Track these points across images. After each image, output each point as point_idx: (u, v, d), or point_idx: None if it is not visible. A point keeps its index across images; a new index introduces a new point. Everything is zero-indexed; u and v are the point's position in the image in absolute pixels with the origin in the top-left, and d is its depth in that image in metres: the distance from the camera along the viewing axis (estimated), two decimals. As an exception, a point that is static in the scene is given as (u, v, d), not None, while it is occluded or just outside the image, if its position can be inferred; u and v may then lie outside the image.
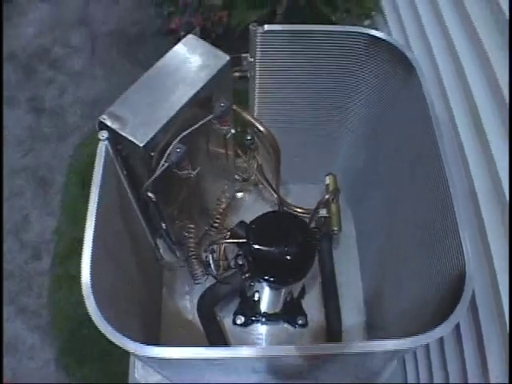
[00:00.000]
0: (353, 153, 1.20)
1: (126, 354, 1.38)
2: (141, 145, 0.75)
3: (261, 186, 1.25)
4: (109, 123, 0.77)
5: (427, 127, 0.83)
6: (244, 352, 0.65)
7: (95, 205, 0.71)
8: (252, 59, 0.98)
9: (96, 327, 0.62)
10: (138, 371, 1.27)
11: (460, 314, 0.65)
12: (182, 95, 0.81)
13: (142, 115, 0.79)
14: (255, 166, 1.18)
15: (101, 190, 0.73)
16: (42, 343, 1.49)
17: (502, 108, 0.85)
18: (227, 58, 0.86)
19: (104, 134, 0.77)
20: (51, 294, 1.54)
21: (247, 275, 1.00)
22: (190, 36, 0.89)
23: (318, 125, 1.15)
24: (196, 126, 0.84)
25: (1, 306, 1.53)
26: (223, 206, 1.14)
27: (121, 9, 2.23)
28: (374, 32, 0.93)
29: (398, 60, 0.92)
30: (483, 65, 0.92)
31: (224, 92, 0.89)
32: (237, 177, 1.24)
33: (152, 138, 0.77)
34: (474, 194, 0.90)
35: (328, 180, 1.22)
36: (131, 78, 2.37)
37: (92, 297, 0.64)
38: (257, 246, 0.95)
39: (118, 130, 0.77)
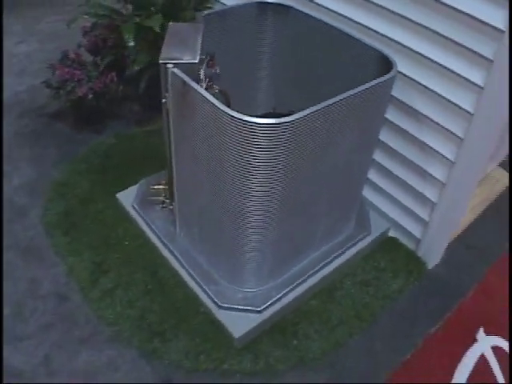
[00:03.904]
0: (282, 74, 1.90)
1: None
2: (196, 61, 1.29)
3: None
4: (170, 61, 1.29)
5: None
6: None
7: (203, 90, 1.21)
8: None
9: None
10: (212, 291, 1.63)
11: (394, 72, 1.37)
12: (194, 43, 1.38)
13: (182, 53, 1.33)
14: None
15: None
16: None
17: None
18: (203, 25, 1.47)
19: (170, 65, 1.28)
20: (98, 310, 1.72)
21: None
22: (170, 23, 1.47)
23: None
24: (206, 61, 1.41)
25: (1, 306, 1.64)
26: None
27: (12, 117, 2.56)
28: None
29: (276, 9, 1.67)
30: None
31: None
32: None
33: (199, 60, 1.31)
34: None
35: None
36: (59, 150, 2.74)
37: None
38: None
39: (179, 61, 1.29)
